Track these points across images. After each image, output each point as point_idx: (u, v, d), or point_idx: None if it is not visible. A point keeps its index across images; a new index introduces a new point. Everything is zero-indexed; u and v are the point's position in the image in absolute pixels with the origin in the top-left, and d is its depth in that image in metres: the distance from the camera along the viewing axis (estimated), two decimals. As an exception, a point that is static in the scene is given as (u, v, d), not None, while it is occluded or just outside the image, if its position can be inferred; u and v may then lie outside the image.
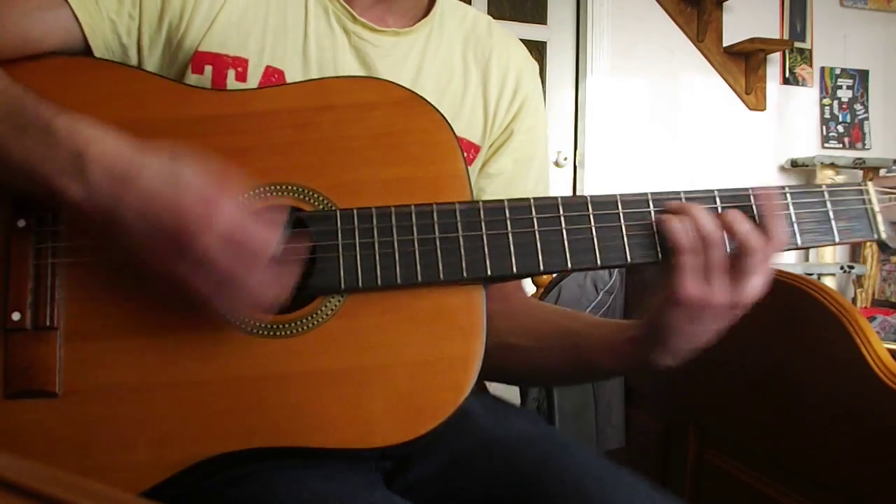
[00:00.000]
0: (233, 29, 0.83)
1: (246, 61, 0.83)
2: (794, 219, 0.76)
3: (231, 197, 0.66)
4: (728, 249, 0.72)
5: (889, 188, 0.78)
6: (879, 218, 0.77)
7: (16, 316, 0.69)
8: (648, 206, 0.75)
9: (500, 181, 0.94)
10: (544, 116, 1.00)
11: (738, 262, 0.72)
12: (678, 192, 0.76)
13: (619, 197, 0.75)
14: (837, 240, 0.76)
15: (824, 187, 0.77)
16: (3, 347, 0.69)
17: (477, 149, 0.93)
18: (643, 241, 0.74)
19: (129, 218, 0.64)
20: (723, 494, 1.24)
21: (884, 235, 0.77)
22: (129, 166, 0.65)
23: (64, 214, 0.70)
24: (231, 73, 0.82)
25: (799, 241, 0.76)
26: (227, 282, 0.65)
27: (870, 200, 0.78)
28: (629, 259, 0.74)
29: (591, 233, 0.74)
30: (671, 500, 0.77)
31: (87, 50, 0.79)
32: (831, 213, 0.77)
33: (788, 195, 0.76)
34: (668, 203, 0.75)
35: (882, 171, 3.66)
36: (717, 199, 0.75)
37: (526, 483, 0.75)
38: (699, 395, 1.30)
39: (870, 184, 0.78)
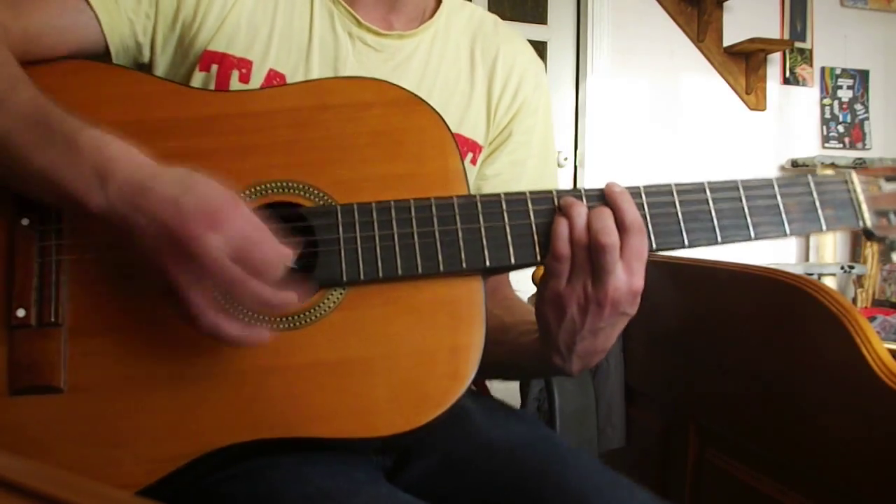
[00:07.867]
0: (241, 30, 0.83)
1: (250, 63, 0.83)
2: (782, 208, 0.77)
3: (243, 208, 0.66)
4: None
5: (871, 178, 0.81)
6: (864, 206, 0.80)
7: (20, 312, 0.69)
8: (641, 198, 0.75)
9: (496, 182, 0.94)
10: (547, 116, 0.99)
11: (595, 259, 0.71)
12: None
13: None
14: (825, 228, 0.79)
15: (810, 178, 0.79)
16: (9, 344, 0.69)
17: (480, 148, 0.93)
18: None
19: (142, 224, 0.65)
20: (723, 494, 1.24)
21: (869, 223, 0.80)
22: (146, 177, 0.66)
23: (80, 221, 0.70)
24: (235, 74, 0.82)
25: (788, 230, 0.77)
26: (229, 290, 0.65)
27: (854, 189, 0.80)
28: None
29: None
30: None
31: (103, 50, 0.81)
32: (818, 203, 0.79)
33: (776, 186, 0.78)
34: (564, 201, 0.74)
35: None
36: (584, 197, 0.75)
37: (525, 491, 0.75)
38: (699, 395, 1.30)
39: (853, 173, 0.80)
